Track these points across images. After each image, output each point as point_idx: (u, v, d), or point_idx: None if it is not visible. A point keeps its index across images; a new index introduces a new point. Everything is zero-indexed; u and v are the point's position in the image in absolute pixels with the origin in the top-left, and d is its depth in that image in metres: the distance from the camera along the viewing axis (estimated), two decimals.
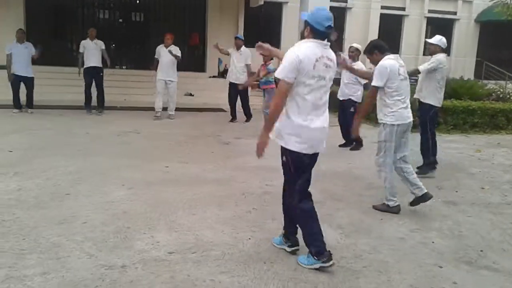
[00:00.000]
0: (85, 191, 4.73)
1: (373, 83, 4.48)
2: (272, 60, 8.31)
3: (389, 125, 4.44)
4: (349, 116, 7.49)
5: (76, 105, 10.18)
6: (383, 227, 4.18)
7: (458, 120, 9.85)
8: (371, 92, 4.60)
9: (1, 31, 11.76)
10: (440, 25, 18.17)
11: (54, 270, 3.04)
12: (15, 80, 9.52)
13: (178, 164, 6.01)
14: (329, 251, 3.24)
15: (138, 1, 15.13)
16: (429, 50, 6.03)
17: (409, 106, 4.55)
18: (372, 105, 4.68)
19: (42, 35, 12.77)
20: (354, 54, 7.46)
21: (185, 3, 14.55)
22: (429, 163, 6.05)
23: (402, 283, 3.14)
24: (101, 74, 10.04)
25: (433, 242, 3.87)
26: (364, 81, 7.25)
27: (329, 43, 3.20)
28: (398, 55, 4.70)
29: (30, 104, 9.67)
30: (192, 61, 14.11)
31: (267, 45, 3.62)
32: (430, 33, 17.98)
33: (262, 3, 13.97)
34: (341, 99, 7.63)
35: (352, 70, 5.73)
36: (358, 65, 7.15)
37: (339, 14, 15.33)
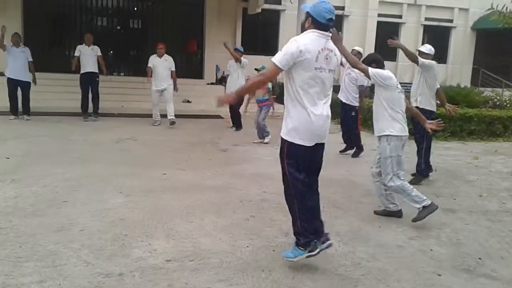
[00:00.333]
0: (82, 199, 4.71)
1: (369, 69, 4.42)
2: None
3: (394, 137, 4.41)
4: (351, 120, 7.52)
5: (73, 111, 10.17)
6: (382, 234, 4.17)
7: (455, 128, 9.87)
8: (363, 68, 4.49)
9: None
10: (436, 32, 18.30)
11: (51, 278, 3.02)
12: (12, 85, 9.46)
13: (176, 171, 6.00)
14: (315, 241, 3.26)
15: (135, 8, 15.16)
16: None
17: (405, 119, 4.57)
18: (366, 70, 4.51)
19: (40, 42, 12.77)
20: (356, 57, 7.45)
21: (183, 10, 14.59)
22: (421, 171, 6.05)
23: None
24: (97, 79, 10.03)
25: (431, 250, 3.86)
26: (361, 83, 7.22)
27: (330, 35, 3.23)
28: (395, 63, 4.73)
29: (26, 110, 9.61)
30: (190, 68, 14.14)
31: (226, 96, 3.68)
32: (427, 41, 18.08)
33: (260, 10, 14.05)
34: (343, 101, 7.62)
35: (341, 47, 5.73)
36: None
37: (336, 21, 15.35)
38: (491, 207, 5.20)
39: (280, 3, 15.90)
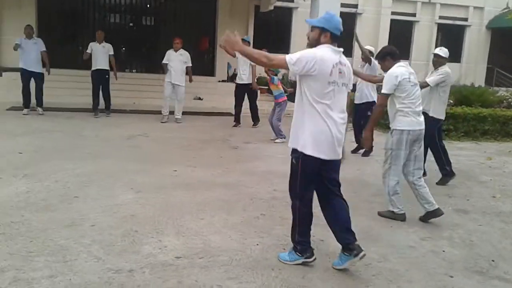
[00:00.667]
0: (93, 194, 4.73)
1: (383, 91, 4.44)
2: (276, 75, 8.50)
3: (398, 131, 4.39)
4: (366, 119, 7.47)
5: (85, 107, 10.22)
6: (393, 235, 4.13)
7: (468, 127, 9.76)
8: (380, 99, 4.57)
9: (13, 32, 11.89)
10: (451, 31, 18.09)
11: (62, 273, 3.04)
12: (25, 76, 9.55)
13: (186, 168, 6.00)
14: (312, 248, 3.36)
15: (148, 5, 15.20)
16: (436, 62, 5.78)
17: (421, 113, 4.50)
18: (382, 113, 4.65)
19: (53, 38, 12.86)
20: (368, 56, 7.40)
21: (195, 8, 14.59)
22: (446, 173, 6.00)
23: None
24: (107, 76, 10.07)
25: (443, 251, 3.81)
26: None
27: (342, 49, 3.23)
28: (407, 62, 4.68)
29: (39, 102, 9.68)
30: (202, 65, 14.14)
31: (235, 38, 3.15)
32: (441, 40, 17.90)
33: (272, 8, 14.00)
34: (357, 102, 7.58)
35: (358, 75, 5.72)
36: (375, 64, 7.08)
37: (349, 19, 15.24)
38: (505, 208, 5.12)
39: (292, 1, 15.85)
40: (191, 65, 9.80)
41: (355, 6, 16.72)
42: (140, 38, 14.92)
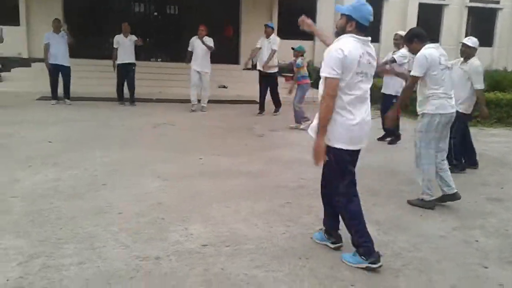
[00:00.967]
0: (121, 182, 4.77)
1: (412, 73, 4.35)
2: (302, 56, 8.28)
3: (429, 114, 4.28)
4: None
5: (111, 97, 10.32)
6: (423, 224, 4.02)
7: (501, 114, 9.44)
8: (410, 82, 4.44)
9: (40, 24, 12.08)
10: (482, 15, 17.47)
11: (90, 260, 3.07)
12: (53, 69, 9.74)
13: (212, 156, 5.99)
14: (378, 252, 3.12)
15: None
16: (465, 52, 5.53)
17: (453, 96, 4.36)
18: (410, 94, 4.53)
19: (79, 29, 13.01)
20: (399, 42, 7.21)
21: None
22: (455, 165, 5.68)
23: (444, 284, 3.00)
24: (133, 68, 10.15)
25: (476, 241, 3.69)
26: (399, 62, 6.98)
27: (369, 39, 3.11)
28: (438, 44, 4.53)
29: (67, 94, 9.87)
30: (226, 53, 14.07)
31: (310, 21, 3.62)
32: (471, 24, 17.33)
33: None
34: (386, 93, 7.38)
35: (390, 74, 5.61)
36: (403, 53, 6.89)
37: (376, 4, 14.85)
38: None
39: None
40: (213, 46, 9.70)
41: None
42: (164, 27, 14.95)
